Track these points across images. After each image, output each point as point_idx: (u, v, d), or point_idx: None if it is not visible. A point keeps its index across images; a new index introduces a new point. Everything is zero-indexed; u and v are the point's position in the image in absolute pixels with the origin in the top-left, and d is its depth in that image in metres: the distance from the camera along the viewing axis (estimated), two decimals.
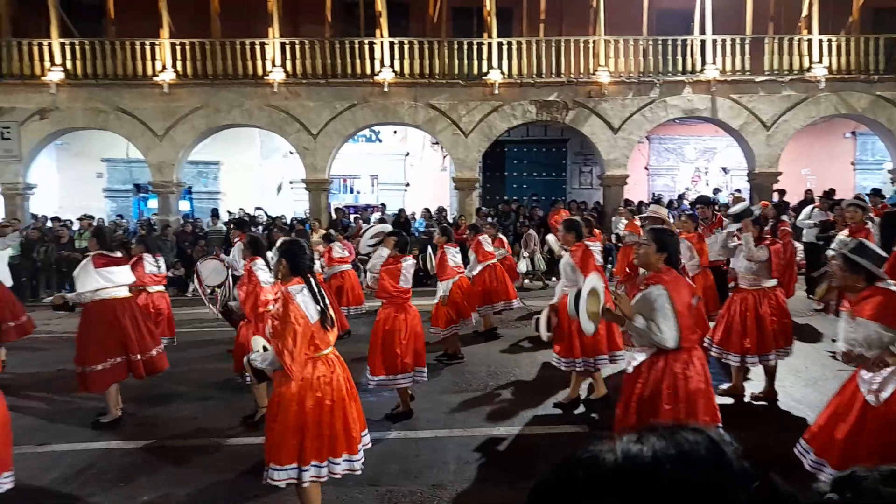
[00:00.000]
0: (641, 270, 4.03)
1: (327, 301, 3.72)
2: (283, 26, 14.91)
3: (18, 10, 15.37)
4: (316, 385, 3.52)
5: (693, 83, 15.04)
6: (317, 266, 8.06)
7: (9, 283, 8.25)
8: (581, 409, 5.83)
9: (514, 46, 14.97)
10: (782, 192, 14.89)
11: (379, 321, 5.64)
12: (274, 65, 14.61)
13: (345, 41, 14.91)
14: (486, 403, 6.09)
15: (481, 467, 4.66)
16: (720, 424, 3.63)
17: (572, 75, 14.98)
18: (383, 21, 14.74)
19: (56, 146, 16.76)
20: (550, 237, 6.09)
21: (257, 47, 14.71)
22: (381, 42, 14.75)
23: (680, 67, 15.04)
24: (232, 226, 9.18)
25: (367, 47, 14.83)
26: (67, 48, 14.47)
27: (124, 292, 5.92)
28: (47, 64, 14.42)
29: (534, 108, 15.17)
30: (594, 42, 14.98)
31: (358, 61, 14.81)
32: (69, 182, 18.28)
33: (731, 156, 18.44)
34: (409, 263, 5.75)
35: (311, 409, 3.49)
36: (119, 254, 5.97)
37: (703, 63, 14.91)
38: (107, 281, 5.70)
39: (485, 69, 14.87)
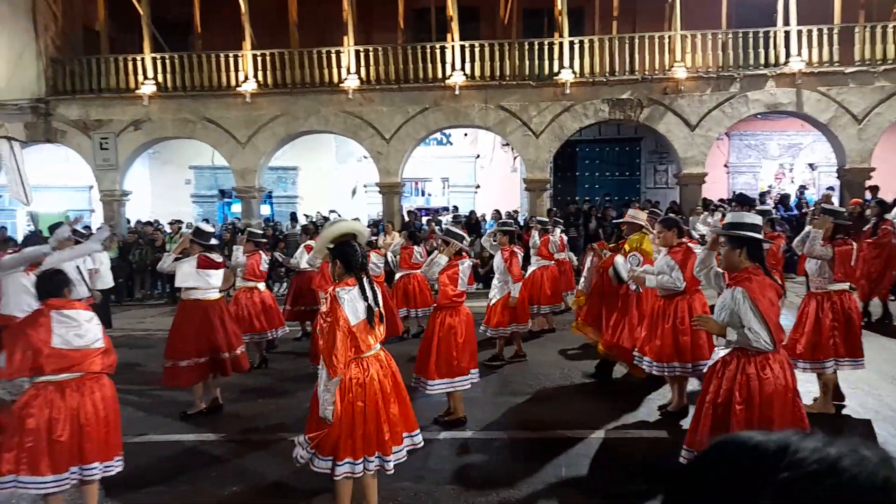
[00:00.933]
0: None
1: (380, 301, 3.78)
2: (357, 34, 15.31)
3: (115, 29, 16.46)
4: (348, 387, 3.60)
5: (776, 76, 14.39)
6: (375, 269, 8.18)
7: (110, 283, 8.81)
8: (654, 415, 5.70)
9: (586, 45, 14.78)
10: (875, 189, 14.00)
11: (433, 325, 5.54)
12: (349, 72, 15.03)
13: (416, 46, 15.15)
14: (557, 406, 6.07)
15: (555, 471, 4.65)
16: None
17: (647, 72, 14.64)
18: (454, 25, 14.88)
19: (148, 155, 17.82)
20: (619, 259, 5.84)
21: (333, 56, 15.17)
22: (452, 46, 14.90)
23: (762, 60, 14.42)
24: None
25: (438, 52, 15.01)
26: (158, 62, 15.39)
27: (216, 294, 6.23)
28: (140, 78, 15.37)
29: (606, 107, 14.92)
30: (670, 37, 14.59)
31: (429, 66, 15.02)
32: (160, 188, 19.40)
33: (819, 151, 17.51)
34: (465, 266, 5.61)
35: (344, 410, 3.58)
36: (219, 258, 6.28)
37: (788, 55, 14.24)
38: (203, 282, 6.05)
39: (556, 69, 14.76)
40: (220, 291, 6.41)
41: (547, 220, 10.63)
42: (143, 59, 15.36)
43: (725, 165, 18.71)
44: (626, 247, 6.44)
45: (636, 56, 14.64)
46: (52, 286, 3.82)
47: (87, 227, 8.53)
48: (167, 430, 5.75)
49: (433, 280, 5.61)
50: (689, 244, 5.58)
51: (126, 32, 16.66)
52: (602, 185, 19.51)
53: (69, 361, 3.65)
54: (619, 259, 6.21)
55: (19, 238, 14.91)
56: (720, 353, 3.70)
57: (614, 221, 8.08)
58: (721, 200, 15.67)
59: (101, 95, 15.54)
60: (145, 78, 15.32)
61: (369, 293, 3.66)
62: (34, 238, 5.99)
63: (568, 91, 14.80)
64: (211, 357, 6.04)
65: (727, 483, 0.64)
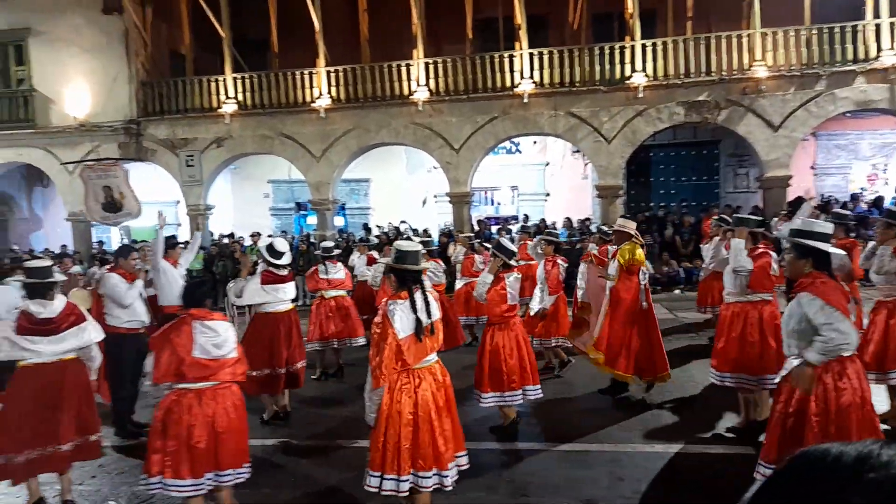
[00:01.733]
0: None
1: (434, 313, 3.79)
2: (426, 47, 15.56)
3: (199, 51, 17.39)
4: (396, 397, 3.62)
5: (866, 72, 13.60)
6: (434, 277, 8.21)
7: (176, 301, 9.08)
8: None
9: (660, 47, 14.45)
10: None
11: (484, 340, 5.56)
12: (418, 84, 15.28)
13: (485, 56, 15.24)
14: (638, 419, 5.93)
15: (635, 485, 4.55)
16: None
17: (724, 73, 14.15)
18: (522, 34, 14.89)
19: (230, 170, 18.68)
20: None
21: (403, 69, 15.47)
22: (521, 54, 14.89)
23: (850, 56, 13.67)
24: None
25: (506, 60, 15.05)
26: (239, 82, 16.15)
27: (286, 306, 6.41)
28: (222, 97, 16.17)
29: (682, 110, 14.51)
30: (748, 36, 14.06)
31: (498, 75, 15.07)
32: (241, 202, 20.27)
33: None
34: (512, 279, 5.50)
35: (391, 418, 3.61)
36: (285, 272, 6.47)
37: (879, 49, 13.44)
38: (271, 297, 6.26)
39: (627, 73, 14.49)
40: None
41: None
42: (224, 80, 16.15)
43: (812, 167, 17.77)
44: (619, 258, 6.36)
45: (712, 56, 14.19)
46: (198, 296, 4.06)
47: (174, 237, 9.05)
48: (253, 434, 5.97)
49: (484, 301, 5.52)
50: (763, 248, 5.40)
51: (209, 53, 17.57)
52: (678, 191, 18.92)
53: (207, 371, 3.85)
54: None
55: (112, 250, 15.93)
56: (793, 362, 3.54)
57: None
58: (789, 203, 14.87)
59: (187, 115, 16.45)
60: (227, 97, 16.10)
61: (420, 306, 3.70)
62: (125, 249, 6.46)
63: (641, 95, 14.49)
64: (270, 371, 6.18)
65: (811, 495, 0.64)
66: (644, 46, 14.47)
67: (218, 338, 3.91)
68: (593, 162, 15.43)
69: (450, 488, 3.76)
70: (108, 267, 6.48)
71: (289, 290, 6.42)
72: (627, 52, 14.53)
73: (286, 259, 6.37)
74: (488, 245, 9.40)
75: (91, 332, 4.67)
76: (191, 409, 3.80)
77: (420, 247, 4.02)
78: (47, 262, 4.78)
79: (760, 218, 6.42)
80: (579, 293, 7.17)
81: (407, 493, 3.68)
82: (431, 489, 3.70)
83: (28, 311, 4.46)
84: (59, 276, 4.76)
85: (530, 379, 5.56)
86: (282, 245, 6.46)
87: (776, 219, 11.15)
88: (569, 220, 16.28)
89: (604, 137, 14.91)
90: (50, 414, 4.46)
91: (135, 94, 16.55)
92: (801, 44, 13.89)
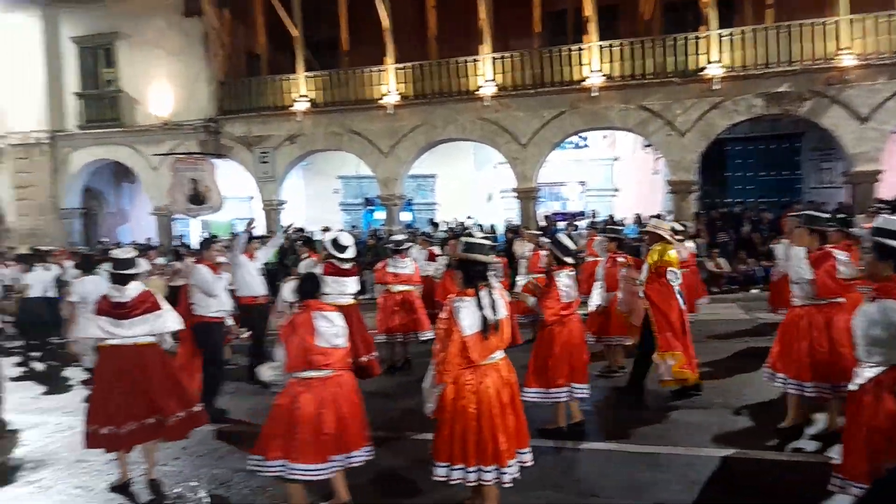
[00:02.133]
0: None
1: (501, 311, 3.78)
2: (493, 42, 15.51)
3: (272, 52, 17.96)
4: (460, 393, 3.67)
5: None
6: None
7: (263, 290, 9.17)
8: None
9: (737, 37, 13.88)
10: None
11: (539, 335, 5.56)
12: (485, 80, 15.26)
13: (553, 50, 15.06)
14: (712, 422, 5.78)
15: (711, 490, 4.43)
16: None
17: (807, 62, 13.46)
18: (592, 26, 14.63)
19: (302, 166, 19.21)
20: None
21: (470, 65, 15.49)
22: (590, 46, 14.64)
23: None
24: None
25: (575, 53, 14.82)
26: (310, 80, 16.58)
27: (348, 300, 6.50)
28: (295, 95, 16.65)
29: (761, 102, 13.91)
30: (835, 23, 13.31)
31: (566, 68, 14.87)
32: (312, 197, 20.84)
33: None
34: (563, 277, 5.38)
35: (457, 413, 3.66)
36: (348, 265, 6.57)
37: None
38: (331, 288, 6.38)
39: (702, 64, 14.00)
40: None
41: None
42: (296, 79, 16.62)
43: None
44: (649, 259, 6.25)
45: (794, 46, 13.52)
46: (310, 288, 4.23)
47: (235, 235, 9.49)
48: None
49: (535, 306, 5.49)
50: (830, 249, 5.04)
51: (282, 53, 18.12)
52: (756, 186, 18.18)
53: (330, 358, 4.03)
54: None
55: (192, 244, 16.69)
56: (866, 373, 3.34)
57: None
58: (879, 201, 14.00)
59: (261, 113, 17.03)
60: (299, 95, 16.57)
61: (487, 303, 3.70)
62: (208, 242, 6.87)
63: (717, 87, 13.97)
64: None
65: None
66: (721, 36, 13.94)
67: (335, 327, 4.06)
68: (665, 156, 15.01)
69: (509, 484, 3.78)
70: (193, 259, 6.81)
71: (350, 284, 6.51)
72: (703, 43, 14.04)
73: (349, 253, 6.45)
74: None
75: (167, 321, 4.96)
76: (318, 397, 3.97)
77: (488, 241, 4.04)
78: (131, 254, 5.08)
79: (827, 215, 6.06)
80: (596, 298, 6.85)
81: (474, 483, 3.74)
82: (493, 483, 3.74)
83: (107, 295, 4.84)
84: (142, 267, 5.05)
85: (578, 377, 5.48)
86: (346, 239, 6.54)
87: (863, 215, 10.55)
88: (638, 216, 15.90)
89: (677, 131, 14.47)
90: (140, 390, 4.77)
91: (213, 93, 17.27)
92: (892, 30, 13.04)
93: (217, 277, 6.38)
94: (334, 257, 6.44)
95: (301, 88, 16.57)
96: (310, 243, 9.33)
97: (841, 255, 5.01)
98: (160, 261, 12.98)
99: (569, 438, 5.44)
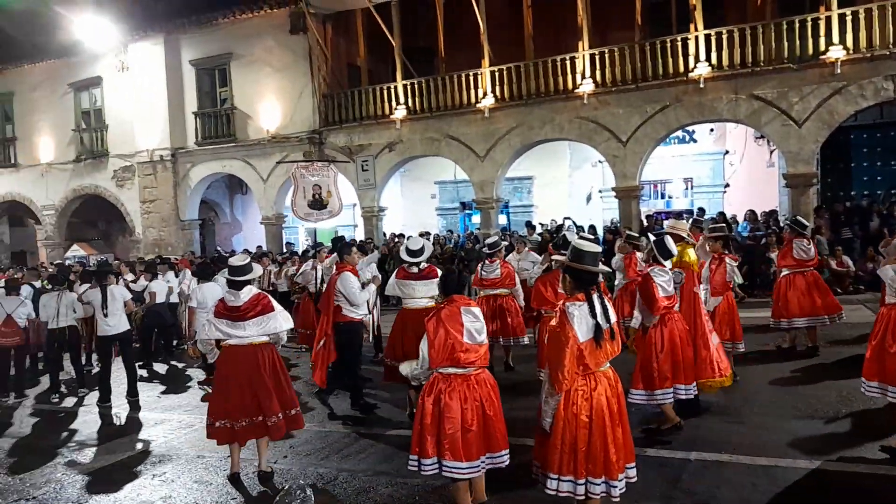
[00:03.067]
0: None
1: (612, 317, 3.61)
2: (591, 38, 15.08)
3: (372, 61, 18.44)
4: (572, 399, 3.52)
5: None
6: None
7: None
8: None
9: (861, 16, 12.67)
10: None
11: (646, 336, 5.48)
12: (583, 77, 14.86)
13: (655, 42, 14.42)
14: (837, 433, 5.26)
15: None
16: None
17: None
18: (698, 14, 13.88)
19: (400, 173, 19.58)
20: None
21: (567, 63, 15.14)
22: (696, 36, 13.89)
23: None
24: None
25: (679, 44, 14.11)
26: (408, 88, 16.84)
27: (423, 303, 6.41)
28: (393, 104, 16.98)
29: (891, 85, 12.62)
30: None
31: (670, 60, 14.19)
32: (410, 203, 21.21)
33: None
34: (657, 273, 5.36)
35: (567, 421, 3.50)
36: (416, 269, 6.55)
37: None
38: (402, 292, 6.47)
39: (822, 47, 12.90)
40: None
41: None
42: (395, 87, 16.94)
43: None
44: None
45: None
46: (456, 283, 4.25)
47: (353, 239, 9.77)
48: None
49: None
50: None
51: (381, 63, 18.56)
52: (885, 177, 16.57)
53: (475, 355, 4.01)
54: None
55: (300, 250, 17.40)
56: None
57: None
58: None
59: (362, 123, 17.49)
60: (397, 103, 16.88)
61: (599, 310, 3.53)
62: (348, 245, 7.25)
63: (838, 71, 12.83)
64: None
65: None
66: (842, 16, 12.78)
67: (478, 323, 4.02)
68: (781, 148, 13.96)
69: (617, 499, 3.57)
70: (337, 263, 7.08)
71: (420, 287, 6.44)
72: (822, 24, 12.94)
73: (419, 257, 6.45)
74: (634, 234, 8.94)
75: (279, 321, 5.15)
76: (462, 393, 3.94)
77: (599, 248, 3.84)
78: (245, 261, 5.31)
79: None
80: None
81: (583, 498, 3.56)
82: (599, 497, 3.55)
83: (224, 299, 5.14)
84: (255, 273, 5.27)
85: (682, 377, 5.29)
86: (414, 244, 6.61)
87: None
88: (752, 212, 14.90)
89: (793, 121, 13.42)
90: (251, 389, 5.03)
91: (317, 106, 17.94)
92: None
93: (363, 290, 6.87)
94: (404, 262, 6.55)
95: (399, 96, 16.87)
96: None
97: None
98: (272, 268, 13.64)
99: (665, 444, 5.16)
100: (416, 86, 16.82)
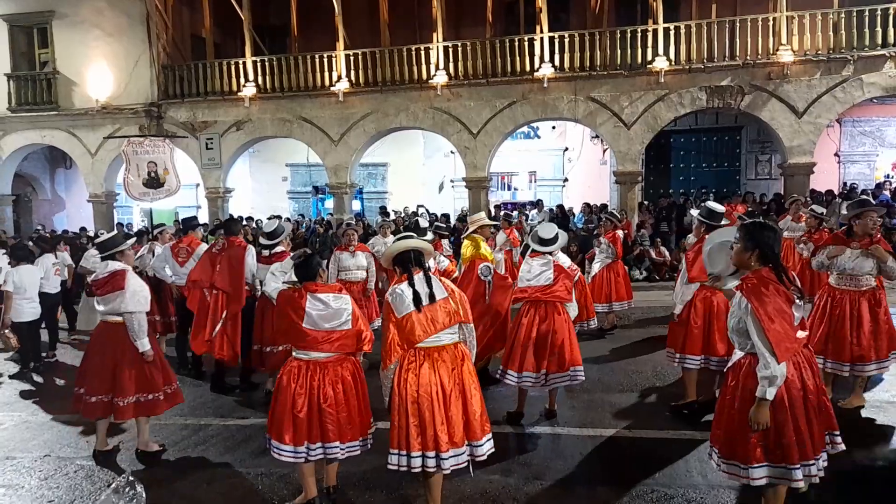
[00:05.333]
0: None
1: (435, 291, 3.74)
2: (446, 31, 15.37)
3: (220, 35, 17.36)
4: (404, 375, 3.70)
5: None
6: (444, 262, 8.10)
7: None
8: None
9: (683, 31, 14.13)
10: None
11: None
12: (437, 68, 15.11)
13: (505, 40, 15.02)
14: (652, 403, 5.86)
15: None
16: None
17: (748, 57, 13.82)
18: (543, 17, 14.65)
19: (249, 154, 18.70)
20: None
21: (422, 53, 15.30)
22: (542, 38, 14.66)
23: (879, 41, 13.28)
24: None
25: (526, 44, 14.82)
26: (259, 65, 16.08)
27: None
28: (242, 80, 16.13)
29: (704, 95, 14.22)
30: (774, 20, 13.71)
31: (518, 59, 14.86)
32: (259, 185, 20.34)
33: None
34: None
35: (401, 398, 3.70)
36: (267, 253, 6.52)
37: None
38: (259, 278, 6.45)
39: (649, 57, 14.21)
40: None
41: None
42: (244, 63, 16.10)
43: (836, 154, 17.42)
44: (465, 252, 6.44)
45: (737, 41, 13.85)
46: (304, 270, 4.02)
47: (195, 219, 9.07)
48: None
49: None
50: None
51: (229, 38, 17.55)
52: (698, 177, 18.67)
53: (326, 342, 3.85)
54: None
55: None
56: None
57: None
58: (829, 192, 14.62)
59: (207, 98, 16.43)
60: (246, 80, 16.06)
61: (420, 284, 3.72)
62: (235, 222, 7.02)
63: (662, 80, 14.22)
64: None
65: None
66: (667, 30, 14.17)
67: (326, 310, 3.89)
68: (612, 147, 15.21)
69: (447, 471, 3.69)
70: (228, 239, 6.63)
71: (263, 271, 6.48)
72: (650, 36, 14.24)
73: (274, 240, 6.61)
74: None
75: (125, 301, 4.86)
76: (302, 378, 3.87)
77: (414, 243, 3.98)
78: (110, 236, 5.24)
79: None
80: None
81: (419, 469, 3.68)
82: (434, 470, 3.67)
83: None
84: (124, 245, 5.08)
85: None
86: (270, 227, 6.69)
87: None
88: (587, 205, 16.10)
89: (624, 123, 14.68)
90: (110, 366, 5.05)
91: (156, 77, 16.56)
92: (829, 28, 13.51)
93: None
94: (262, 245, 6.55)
95: (249, 73, 16.05)
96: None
97: None
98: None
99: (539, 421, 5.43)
100: (267, 63, 16.11)
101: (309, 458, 3.89)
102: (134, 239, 6.34)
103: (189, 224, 8.14)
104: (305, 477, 4.01)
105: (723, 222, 5.48)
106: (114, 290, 4.82)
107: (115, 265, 4.94)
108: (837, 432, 3.45)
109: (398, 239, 4.10)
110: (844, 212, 8.61)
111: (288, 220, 17.43)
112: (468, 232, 6.58)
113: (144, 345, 4.88)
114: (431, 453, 3.62)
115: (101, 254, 5.04)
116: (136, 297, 4.89)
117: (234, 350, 6.44)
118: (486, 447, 3.78)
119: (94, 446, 5.19)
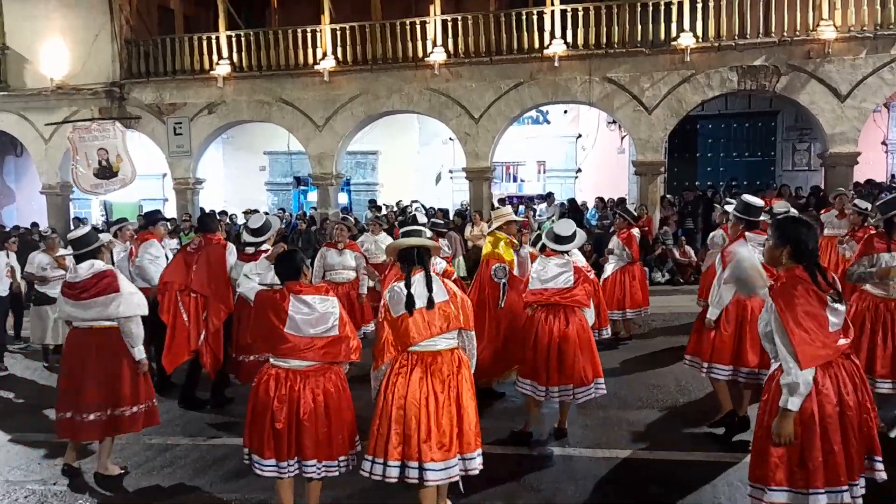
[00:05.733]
0: None
1: (435, 293, 3.82)
2: (444, 3, 15.37)
3: (190, 7, 17.37)
4: (393, 379, 3.85)
5: None
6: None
7: None
8: None
9: (711, 4, 14.15)
10: None
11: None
12: (435, 45, 15.12)
13: (511, 13, 15.04)
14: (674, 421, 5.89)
15: None
16: None
17: (785, 34, 13.85)
18: None
19: (222, 140, 18.72)
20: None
21: (417, 27, 15.31)
22: (552, 11, 14.68)
23: None
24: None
25: (535, 18, 14.84)
26: (234, 41, 16.10)
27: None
28: (215, 58, 16.14)
29: (735, 76, 14.25)
30: None
31: (525, 35, 14.88)
32: (234, 176, 20.36)
33: None
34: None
35: (386, 402, 3.84)
36: (252, 250, 6.56)
37: None
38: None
39: (674, 33, 14.24)
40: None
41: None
42: (217, 38, 16.11)
43: (883, 143, 17.46)
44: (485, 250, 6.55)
45: (772, 15, 13.87)
46: (287, 269, 4.05)
47: (158, 212, 9.08)
48: None
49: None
50: None
51: (201, 9, 17.54)
52: (728, 168, 18.73)
53: (308, 350, 3.85)
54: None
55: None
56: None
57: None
58: (869, 182, 14.59)
59: (176, 77, 16.45)
60: (220, 58, 16.07)
61: (417, 286, 3.81)
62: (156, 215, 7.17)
63: (688, 58, 14.24)
64: None
65: None
66: (693, 3, 14.19)
67: (312, 315, 3.91)
68: (632, 134, 15.24)
69: (430, 484, 3.74)
70: (205, 236, 6.72)
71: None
72: (674, 10, 14.25)
73: (261, 236, 6.61)
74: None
75: (124, 305, 4.93)
76: (280, 389, 3.89)
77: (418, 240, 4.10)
78: (84, 231, 5.25)
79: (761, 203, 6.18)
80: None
81: (395, 480, 3.75)
82: (416, 482, 3.74)
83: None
84: (100, 241, 5.13)
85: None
86: (256, 222, 6.73)
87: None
88: (601, 199, 16.12)
89: (644, 107, 14.70)
90: (97, 376, 5.08)
91: (118, 53, 16.56)
92: (876, 1, 13.55)
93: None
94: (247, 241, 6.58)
95: (223, 50, 16.07)
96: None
97: None
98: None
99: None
100: (243, 39, 16.12)
101: (284, 474, 3.92)
102: (109, 235, 6.36)
103: (151, 218, 8.11)
104: (282, 491, 4.01)
105: (761, 217, 5.47)
106: (105, 293, 4.82)
107: (99, 265, 4.95)
108: (879, 458, 3.35)
109: (405, 234, 4.24)
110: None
111: (277, 214, 17.46)
112: (491, 228, 6.59)
113: (141, 352, 4.95)
114: (414, 464, 3.70)
115: (77, 251, 5.00)
116: (133, 299, 4.95)
117: (216, 357, 6.50)
118: (479, 461, 3.89)
119: (60, 464, 5.19)
